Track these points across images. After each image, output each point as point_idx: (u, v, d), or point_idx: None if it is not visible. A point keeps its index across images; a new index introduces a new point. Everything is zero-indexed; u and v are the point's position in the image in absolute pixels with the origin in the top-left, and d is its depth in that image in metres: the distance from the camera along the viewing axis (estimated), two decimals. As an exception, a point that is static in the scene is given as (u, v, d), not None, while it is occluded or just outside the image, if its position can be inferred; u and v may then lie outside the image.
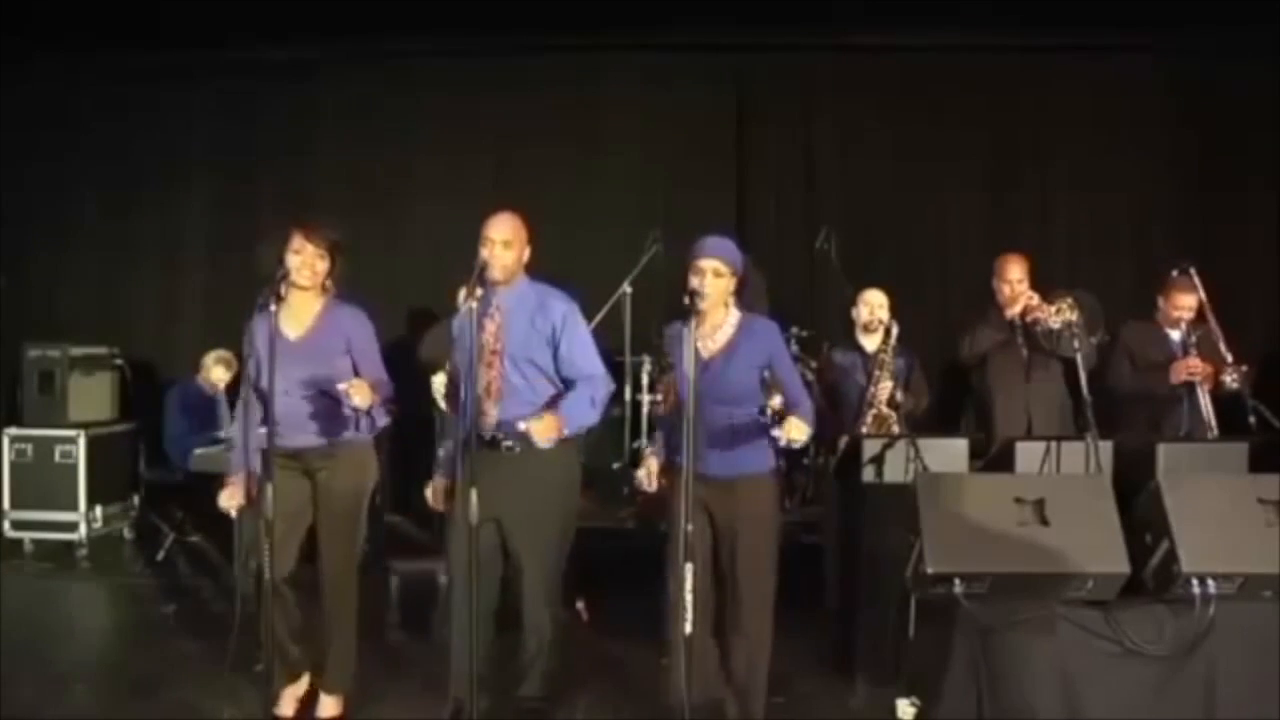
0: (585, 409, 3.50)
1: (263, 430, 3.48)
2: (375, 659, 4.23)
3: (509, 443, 3.46)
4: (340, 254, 3.63)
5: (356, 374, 3.61)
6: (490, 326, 3.51)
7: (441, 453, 3.77)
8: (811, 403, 3.46)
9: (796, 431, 3.17)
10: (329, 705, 3.72)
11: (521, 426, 3.35)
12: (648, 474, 3.57)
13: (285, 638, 3.63)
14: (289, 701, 3.71)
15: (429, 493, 3.75)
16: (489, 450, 3.44)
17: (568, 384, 3.55)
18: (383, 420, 3.73)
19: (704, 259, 3.39)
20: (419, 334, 5.72)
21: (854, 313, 5.17)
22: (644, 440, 6.07)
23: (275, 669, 3.63)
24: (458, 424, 3.48)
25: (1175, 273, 4.94)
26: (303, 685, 3.76)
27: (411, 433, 5.10)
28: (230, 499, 3.65)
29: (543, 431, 3.32)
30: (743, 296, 3.48)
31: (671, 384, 3.58)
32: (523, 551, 3.51)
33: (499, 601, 3.59)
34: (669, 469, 3.53)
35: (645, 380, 6.29)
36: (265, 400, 3.46)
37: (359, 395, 3.43)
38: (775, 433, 3.17)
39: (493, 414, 3.49)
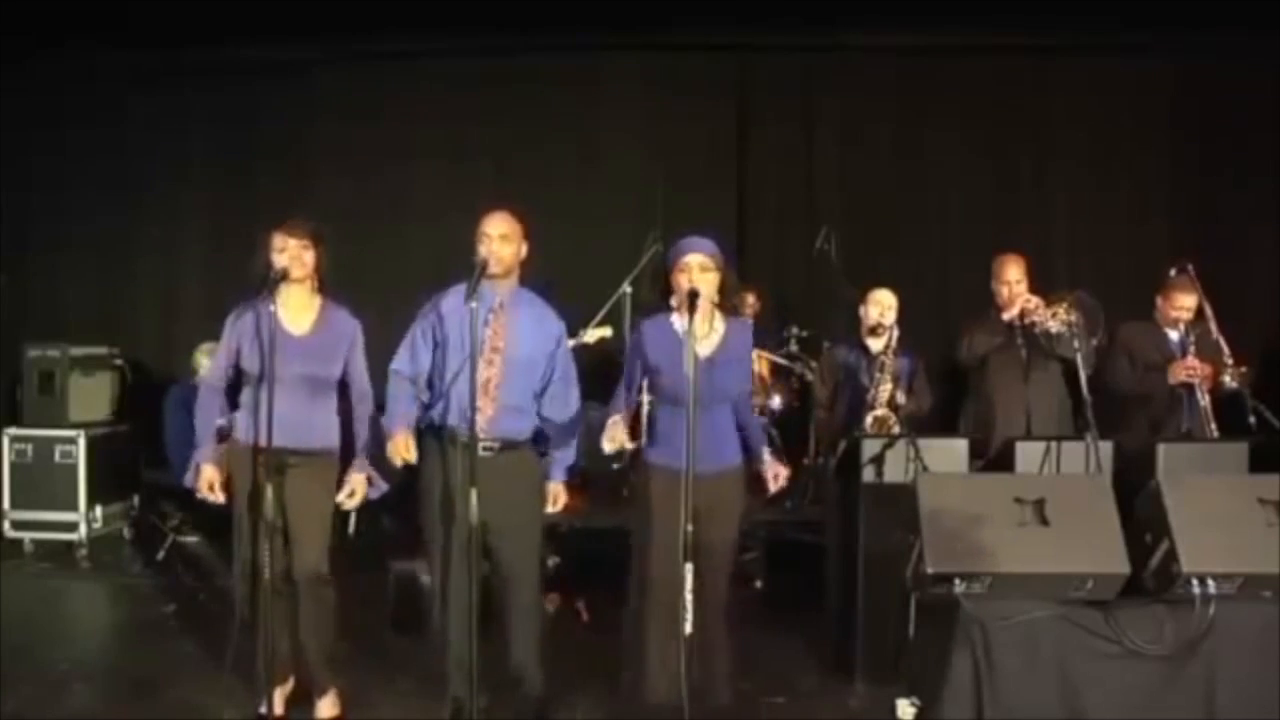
0: (571, 456, 3.70)
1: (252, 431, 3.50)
2: (373, 659, 4.23)
3: (488, 444, 3.48)
4: (324, 242, 3.67)
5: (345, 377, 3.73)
6: (494, 323, 3.51)
7: (401, 408, 3.62)
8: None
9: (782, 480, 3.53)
10: (326, 705, 3.73)
11: (549, 509, 3.62)
12: (612, 438, 3.39)
13: (280, 637, 3.62)
14: (280, 701, 3.71)
15: (390, 446, 3.49)
16: (468, 449, 3.42)
17: (542, 397, 3.61)
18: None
19: (689, 255, 3.43)
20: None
21: (861, 311, 5.11)
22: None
23: (272, 668, 3.62)
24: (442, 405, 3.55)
25: (1174, 272, 4.94)
26: (290, 684, 3.77)
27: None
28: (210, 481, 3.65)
29: (555, 505, 3.63)
30: (726, 295, 3.52)
31: (663, 383, 3.53)
32: (511, 549, 3.55)
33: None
34: (645, 465, 3.52)
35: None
36: (264, 397, 3.47)
37: (357, 497, 3.67)
38: (772, 471, 3.50)
39: (488, 411, 3.49)
